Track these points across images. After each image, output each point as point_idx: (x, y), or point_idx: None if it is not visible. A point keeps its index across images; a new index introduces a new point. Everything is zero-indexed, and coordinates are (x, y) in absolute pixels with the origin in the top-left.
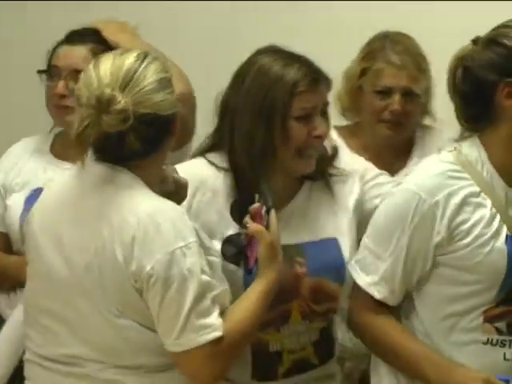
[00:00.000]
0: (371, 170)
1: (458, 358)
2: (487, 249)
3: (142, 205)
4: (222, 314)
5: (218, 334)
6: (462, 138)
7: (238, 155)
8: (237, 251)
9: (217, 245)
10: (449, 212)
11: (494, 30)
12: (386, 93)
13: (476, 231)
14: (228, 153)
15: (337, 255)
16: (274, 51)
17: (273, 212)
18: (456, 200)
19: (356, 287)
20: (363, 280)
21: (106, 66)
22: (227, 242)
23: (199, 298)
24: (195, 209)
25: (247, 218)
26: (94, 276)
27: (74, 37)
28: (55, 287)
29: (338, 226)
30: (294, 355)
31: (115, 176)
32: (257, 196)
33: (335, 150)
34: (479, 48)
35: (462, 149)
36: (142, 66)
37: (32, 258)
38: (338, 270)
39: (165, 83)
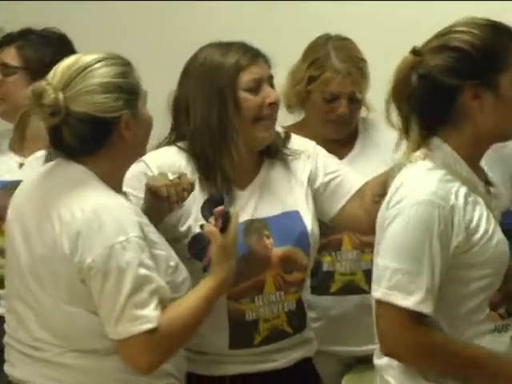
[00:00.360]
0: (320, 148)
1: None
2: (494, 242)
3: (89, 200)
4: (165, 307)
5: (151, 325)
6: (418, 145)
7: (199, 140)
8: (201, 248)
9: (192, 224)
10: (462, 213)
11: (442, 35)
12: (333, 98)
13: (482, 227)
14: (189, 141)
15: (300, 225)
16: (212, 45)
17: (233, 217)
18: (460, 201)
19: (387, 313)
20: (410, 301)
21: (65, 64)
22: (194, 239)
23: (135, 290)
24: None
25: (211, 219)
26: (47, 266)
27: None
28: (20, 273)
29: (297, 199)
30: (268, 323)
31: (66, 169)
32: (225, 199)
33: (288, 133)
34: (430, 55)
35: (434, 154)
36: (93, 67)
37: (7, 245)
38: (303, 238)
39: (109, 87)
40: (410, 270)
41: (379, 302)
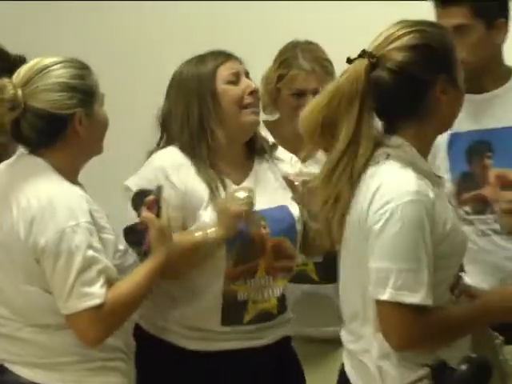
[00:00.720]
0: (297, 160)
1: None
2: (460, 232)
3: (44, 189)
4: (111, 285)
5: (97, 301)
6: (379, 145)
7: (183, 138)
8: (138, 239)
9: (204, 214)
10: (437, 207)
11: (411, 33)
12: (299, 94)
13: (450, 218)
14: (177, 142)
15: (289, 218)
16: (188, 59)
17: (164, 204)
18: (433, 196)
19: (396, 312)
20: (417, 298)
21: (27, 65)
22: (128, 231)
23: (84, 269)
24: (180, 187)
25: (143, 209)
26: (6, 251)
27: None
28: None
29: (285, 196)
30: (257, 305)
31: (25, 161)
32: (155, 189)
33: (275, 143)
34: (396, 53)
35: (397, 153)
36: (51, 68)
37: None
38: (291, 230)
39: (64, 87)
40: (413, 269)
41: (386, 303)
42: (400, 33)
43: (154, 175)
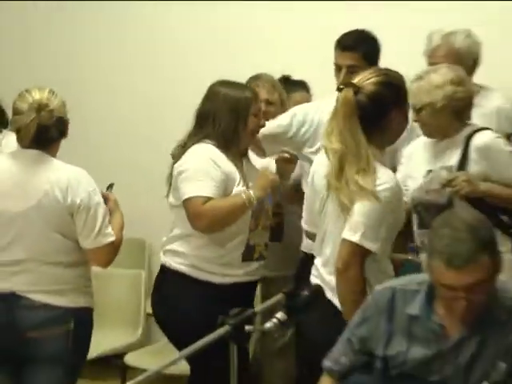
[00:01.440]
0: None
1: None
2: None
3: (62, 168)
4: None
5: (113, 238)
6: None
7: (222, 139)
8: None
9: (237, 188)
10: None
11: (380, 75)
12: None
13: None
14: (215, 139)
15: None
16: (225, 82)
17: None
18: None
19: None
20: (374, 247)
21: (39, 94)
22: None
23: (105, 217)
24: (224, 169)
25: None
26: (39, 211)
27: None
28: (7, 221)
29: None
30: (258, 247)
31: (41, 155)
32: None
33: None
34: (370, 86)
35: (375, 153)
36: (53, 95)
37: None
38: (269, 198)
39: (64, 104)
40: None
41: (353, 244)
42: (373, 74)
43: (207, 163)
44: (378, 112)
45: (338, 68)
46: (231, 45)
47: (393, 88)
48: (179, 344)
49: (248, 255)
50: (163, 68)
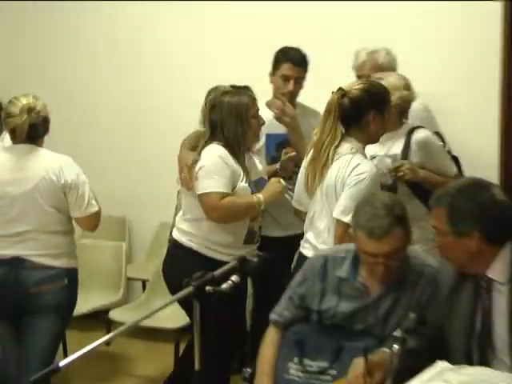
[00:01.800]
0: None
1: None
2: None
3: (53, 156)
4: None
5: (97, 208)
6: (343, 140)
7: (232, 142)
8: None
9: (241, 183)
10: None
11: (365, 83)
12: None
13: None
14: (225, 142)
15: (265, 182)
16: (227, 90)
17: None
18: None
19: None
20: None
21: (26, 99)
22: None
23: (89, 192)
24: (231, 166)
25: None
26: (37, 190)
27: None
28: (9, 202)
29: (260, 171)
30: (257, 233)
31: (33, 148)
32: None
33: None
34: (355, 91)
35: (355, 147)
36: (37, 100)
37: None
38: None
39: (46, 105)
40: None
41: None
42: (361, 82)
43: (219, 161)
44: (356, 112)
45: (287, 78)
46: (225, 47)
47: (373, 95)
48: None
49: (249, 239)
50: (141, 57)
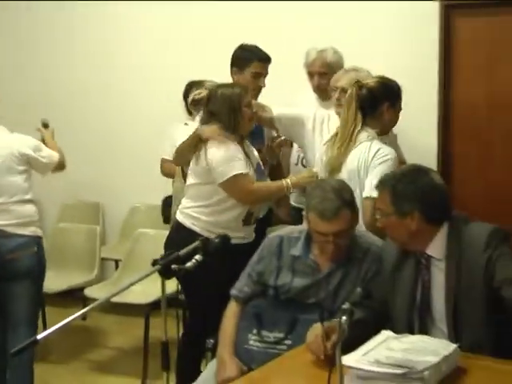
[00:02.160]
0: None
1: None
2: None
3: (15, 136)
4: None
5: (57, 156)
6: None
7: (226, 124)
8: None
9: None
10: None
11: (380, 77)
12: None
13: None
14: (222, 125)
15: (261, 167)
16: (225, 85)
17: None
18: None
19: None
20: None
21: None
22: None
23: (46, 150)
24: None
25: None
26: (9, 164)
27: None
28: None
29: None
30: (255, 214)
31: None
32: None
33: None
34: (372, 84)
35: (372, 135)
36: None
37: None
38: (263, 174)
39: None
40: None
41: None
42: (377, 77)
43: (225, 147)
44: (372, 102)
45: (258, 75)
46: (190, 46)
47: (388, 88)
48: (182, 280)
49: (247, 221)
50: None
